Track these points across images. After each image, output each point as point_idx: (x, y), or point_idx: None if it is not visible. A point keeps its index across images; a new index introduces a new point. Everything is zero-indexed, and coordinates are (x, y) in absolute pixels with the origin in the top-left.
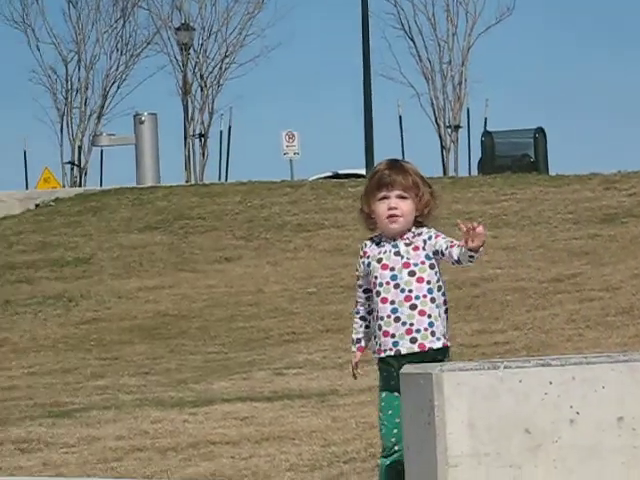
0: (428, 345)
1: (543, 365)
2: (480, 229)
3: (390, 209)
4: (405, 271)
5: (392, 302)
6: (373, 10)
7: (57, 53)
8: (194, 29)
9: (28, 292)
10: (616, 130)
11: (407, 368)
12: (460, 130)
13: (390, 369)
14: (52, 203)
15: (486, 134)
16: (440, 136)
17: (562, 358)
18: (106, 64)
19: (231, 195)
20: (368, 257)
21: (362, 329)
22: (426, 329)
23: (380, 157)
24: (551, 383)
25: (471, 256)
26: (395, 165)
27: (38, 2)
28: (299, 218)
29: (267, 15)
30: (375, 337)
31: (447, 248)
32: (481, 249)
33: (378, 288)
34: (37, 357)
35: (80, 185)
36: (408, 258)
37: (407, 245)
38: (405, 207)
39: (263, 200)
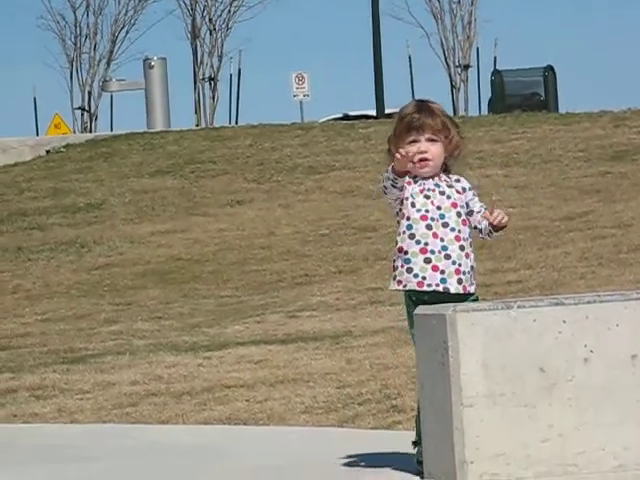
0: (469, 288)
1: (556, 304)
2: (504, 220)
3: (421, 152)
4: (454, 211)
5: (442, 239)
6: None
7: None
8: None
9: (40, 239)
10: (626, 67)
11: (420, 309)
12: (470, 69)
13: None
14: (63, 149)
15: (496, 73)
16: (450, 76)
17: (575, 297)
18: (115, 9)
19: (242, 138)
20: (410, 185)
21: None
22: (469, 272)
23: (390, 98)
24: (565, 322)
25: (491, 232)
26: (423, 107)
27: None
28: (310, 160)
29: None
30: (413, 270)
31: (478, 212)
32: (501, 231)
33: (429, 222)
34: (50, 303)
35: (90, 131)
36: (455, 199)
37: (449, 187)
38: (435, 150)
39: (274, 143)
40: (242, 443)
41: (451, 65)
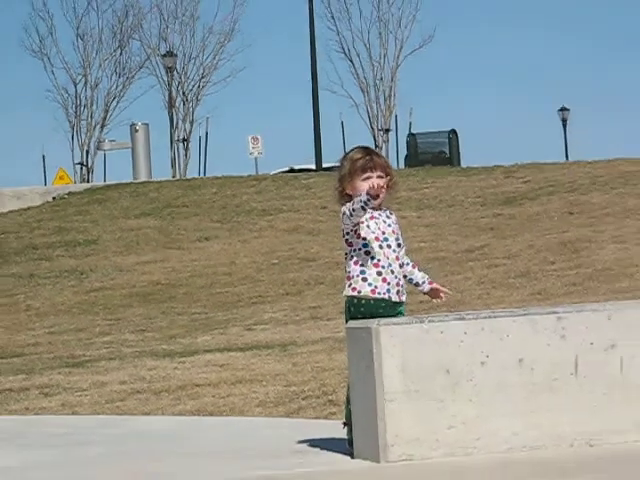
0: (402, 298)
1: (459, 319)
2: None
3: (378, 185)
4: (393, 236)
5: (388, 257)
6: (320, 37)
7: (68, 76)
8: (177, 55)
9: (48, 267)
10: (514, 130)
11: (351, 323)
12: (390, 132)
13: (369, 309)
14: (66, 196)
15: (410, 135)
16: (374, 137)
17: (474, 313)
18: (107, 84)
19: (208, 187)
20: (374, 219)
21: None
22: (403, 286)
23: (327, 155)
24: (466, 333)
25: (417, 284)
26: (371, 151)
27: (52, 35)
28: (263, 204)
29: (235, 44)
30: (367, 280)
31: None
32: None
33: (381, 242)
34: (55, 319)
35: (88, 181)
36: (393, 227)
37: (388, 218)
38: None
39: (234, 191)
40: (209, 431)
41: (375, 129)
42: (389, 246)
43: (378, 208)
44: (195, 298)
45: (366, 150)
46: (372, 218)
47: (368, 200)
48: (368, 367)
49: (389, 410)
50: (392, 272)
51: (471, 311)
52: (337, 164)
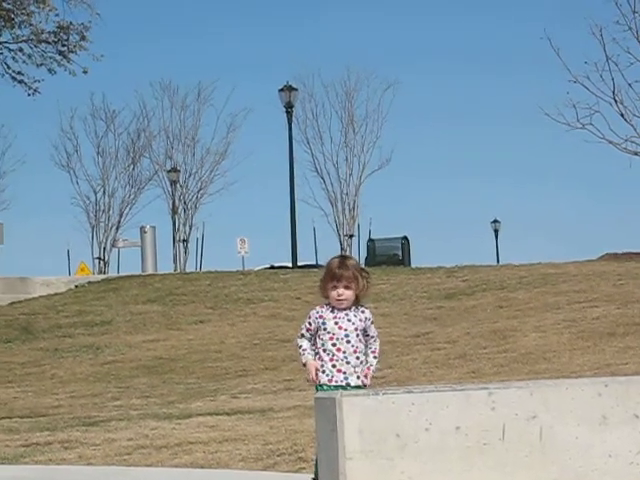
0: (361, 382)
1: (408, 392)
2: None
3: (339, 295)
4: (354, 333)
5: (344, 352)
6: (297, 158)
7: (89, 186)
8: (180, 171)
9: (70, 343)
10: (455, 236)
11: (318, 394)
12: (353, 238)
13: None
14: (86, 284)
15: (370, 240)
16: (340, 241)
17: (420, 387)
18: (122, 193)
19: (203, 280)
20: (323, 318)
21: (311, 353)
22: (360, 372)
23: (301, 255)
24: (413, 404)
25: (358, 377)
26: (343, 264)
27: (77, 153)
28: (248, 295)
29: (228, 162)
30: (325, 372)
31: (371, 338)
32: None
33: (335, 341)
34: (75, 386)
35: (104, 273)
36: (356, 325)
37: (355, 317)
38: (348, 293)
39: (225, 283)
40: None
41: (341, 234)
42: (348, 341)
43: (347, 308)
44: (190, 371)
45: (340, 262)
46: (334, 318)
47: (302, 363)
48: (332, 430)
49: (349, 466)
50: (348, 363)
51: (418, 386)
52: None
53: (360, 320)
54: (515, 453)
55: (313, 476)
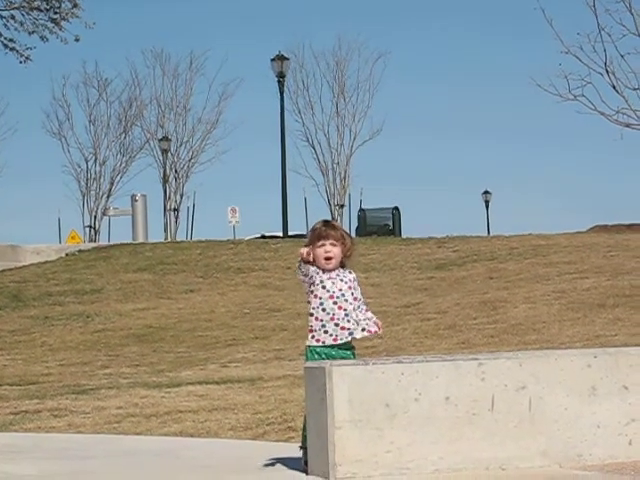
0: (367, 332)
1: (398, 362)
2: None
3: (326, 252)
4: (349, 291)
5: (345, 309)
6: (288, 128)
7: (81, 155)
8: (171, 140)
9: (60, 311)
10: (446, 206)
11: (308, 363)
12: (344, 208)
13: (332, 352)
14: (76, 253)
15: (361, 211)
16: (331, 212)
17: (410, 357)
18: (113, 162)
19: (194, 249)
20: (320, 276)
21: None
22: (365, 324)
23: (293, 225)
24: (403, 374)
25: (363, 329)
26: (328, 223)
27: (69, 120)
28: (238, 264)
29: (219, 131)
30: (328, 332)
31: (359, 301)
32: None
33: (335, 299)
34: (65, 354)
35: (95, 241)
36: (349, 284)
37: (345, 277)
38: (336, 251)
39: (215, 252)
40: (190, 449)
41: (332, 204)
42: (345, 300)
43: (335, 269)
44: (180, 340)
45: (325, 222)
46: (329, 278)
47: (299, 263)
48: (322, 400)
49: (337, 436)
50: (349, 320)
51: (407, 356)
52: (305, 233)
53: (350, 280)
54: (504, 423)
55: (300, 444)
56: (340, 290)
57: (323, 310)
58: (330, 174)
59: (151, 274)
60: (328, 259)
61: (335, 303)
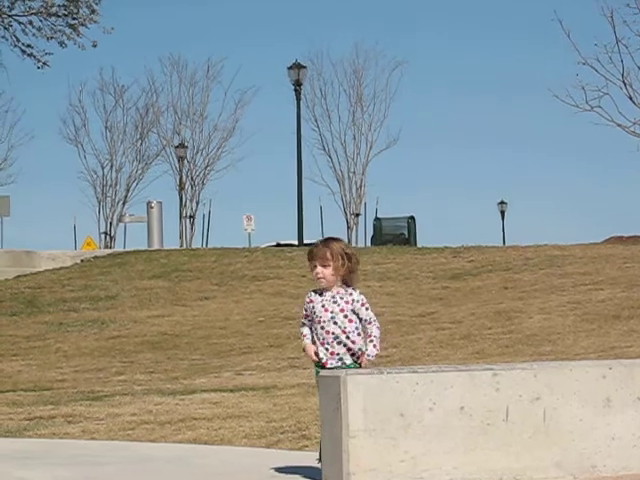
0: (357, 363)
1: (413, 372)
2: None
3: (316, 274)
4: (341, 314)
5: (333, 333)
6: (304, 136)
7: (97, 161)
8: (187, 147)
9: (75, 317)
10: (462, 216)
11: (323, 372)
12: (360, 217)
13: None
14: (92, 259)
15: (377, 219)
16: (347, 220)
17: (424, 367)
18: (129, 168)
19: (209, 256)
20: (312, 302)
21: (310, 338)
22: (357, 351)
23: (308, 233)
24: (417, 383)
25: (353, 354)
26: (317, 244)
27: (85, 127)
28: (254, 272)
29: (235, 139)
30: (319, 355)
31: (364, 322)
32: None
33: (323, 324)
34: (80, 360)
35: (110, 247)
36: (342, 306)
37: (341, 299)
38: (326, 271)
39: (230, 260)
40: (204, 457)
41: (348, 213)
42: (335, 323)
43: (336, 289)
44: (195, 347)
45: (318, 243)
46: (322, 302)
47: (302, 349)
48: (336, 409)
49: (352, 445)
50: (339, 343)
51: (422, 365)
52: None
53: (347, 302)
54: (519, 434)
55: (318, 457)
56: (331, 313)
57: (316, 335)
58: (346, 183)
59: (166, 281)
60: (319, 279)
61: (322, 328)
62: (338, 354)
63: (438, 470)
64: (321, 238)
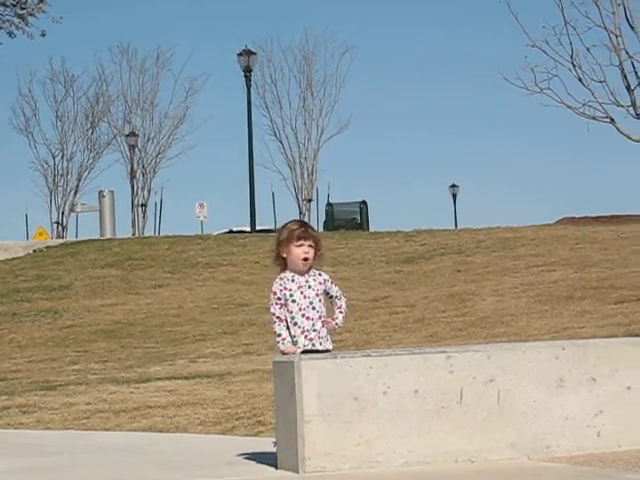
0: (327, 346)
1: (366, 356)
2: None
3: (305, 253)
4: (317, 298)
5: (312, 319)
6: (255, 122)
7: (48, 151)
8: (138, 135)
9: (28, 307)
10: (414, 200)
11: (276, 358)
12: (312, 202)
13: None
14: (44, 249)
15: (329, 205)
16: (299, 206)
17: (378, 351)
18: (80, 158)
19: (162, 244)
20: (288, 289)
21: (286, 331)
22: (327, 336)
23: (261, 220)
24: (371, 367)
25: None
26: (306, 224)
27: (36, 117)
28: (206, 259)
29: (186, 127)
30: (297, 343)
31: (335, 298)
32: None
33: (303, 311)
34: (33, 350)
35: (63, 237)
36: (317, 290)
37: (314, 281)
38: (312, 253)
39: (183, 247)
40: (159, 445)
41: (299, 199)
42: (313, 308)
43: (306, 272)
44: (149, 335)
45: (301, 223)
46: (299, 287)
47: (281, 350)
48: (291, 394)
49: (307, 430)
50: (315, 330)
51: (376, 349)
52: (277, 231)
53: (320, 283)
54: (473, 416)
55: (274, 440)
56: (309, 298)
57: (295, 324)
58: (298, 168)
59: (119, 270)
60: (305, 260)
61: (303, 315)
62: (312, 339)
63: (393, 454)
64: (294, 220)
